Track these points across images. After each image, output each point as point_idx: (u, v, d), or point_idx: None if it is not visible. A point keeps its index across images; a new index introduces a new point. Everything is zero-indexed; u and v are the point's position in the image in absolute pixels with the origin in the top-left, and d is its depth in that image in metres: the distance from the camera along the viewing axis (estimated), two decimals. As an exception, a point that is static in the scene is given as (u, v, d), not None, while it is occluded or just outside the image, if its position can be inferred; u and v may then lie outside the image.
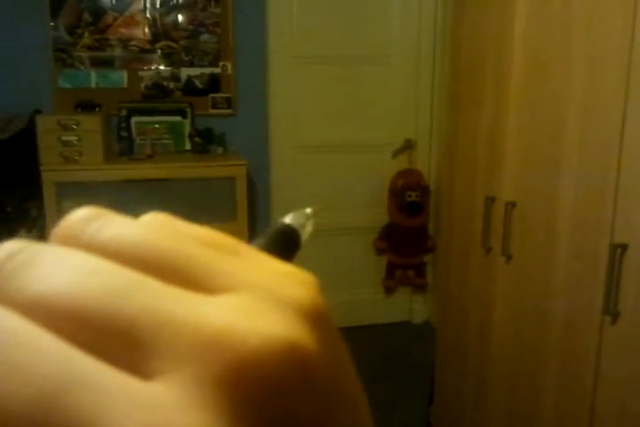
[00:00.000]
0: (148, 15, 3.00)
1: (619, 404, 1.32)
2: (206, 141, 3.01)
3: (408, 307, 3.68)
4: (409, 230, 3.37)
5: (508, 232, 1.68)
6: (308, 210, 0.30)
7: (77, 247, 0.17)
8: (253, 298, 0.17)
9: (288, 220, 0.28)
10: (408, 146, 3.43)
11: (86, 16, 2.93)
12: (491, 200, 1.76)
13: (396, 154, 3.44)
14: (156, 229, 0.19)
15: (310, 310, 0.18)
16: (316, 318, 0.18)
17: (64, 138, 2.61)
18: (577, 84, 1.39)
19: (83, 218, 0.19)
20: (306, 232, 0.28)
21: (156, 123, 2.97)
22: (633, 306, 1.26)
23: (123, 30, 2.99)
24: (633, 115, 1.23)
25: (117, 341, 0.15)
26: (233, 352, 0.15)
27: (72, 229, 0.18)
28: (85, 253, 0.17)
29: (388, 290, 3.60)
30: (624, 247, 1.26)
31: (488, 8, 1.76)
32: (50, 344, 0.14)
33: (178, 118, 3.02)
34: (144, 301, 0.15)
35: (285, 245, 0.26)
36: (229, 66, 3.13)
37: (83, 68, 2.98)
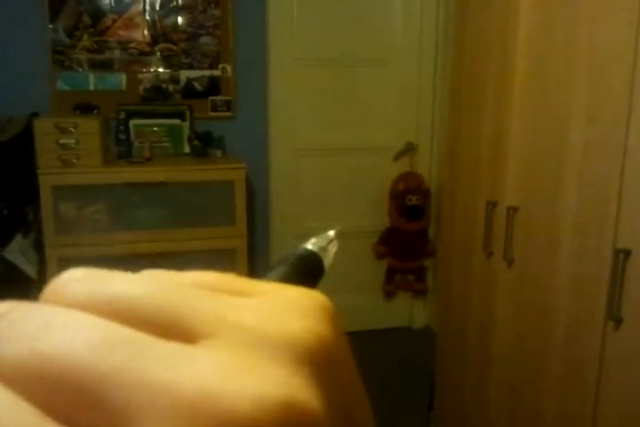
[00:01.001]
0: (147, 17, 2.98)
1: (622, 409, 1.30)
2: (205, 144, 2.99)
3: (408, 312, 3.66)
4: (409, 234, 3.35)
5: (509, 237, 1.66)
6: (331, 232, 0.29)
7: (64, 306, 0.17)
8: (242, 345, 0.16)
9: (310, 245, 0.27)
10: (409, 149, 3.41)
11: (85, 18, 2.92)
12: (492, 204, 1.74)
13: (397, 157, 3.42)
14: (145, 281, 0.18)
15: (309, 346, 0.16)
16: (316, 355, 0.16)
17: (62, 141, 2.59)
18: (580, 88, 1.38)
19: (71, 279, 0.18)
20: (329, 256, 0.27)
21: (155, 126, 2.96)
22: (636, 311, 1.24)
23: (122, 32, 2.97)
24: (637, 118, 1.21)
25: (91, 404, 0.14)
26: (220, 419, 0.13)
27: (58, 290, 0.17)
28: (69, 311, 0.16)
29: (388, 295, 3.58)
30: (627, 253, 1.24)
31: (490, 10, 1.74)
32: (24, 417, 0.13)
33: (177, 121, 3.00)
34: (121, 358, 0.14)
35: (308, 273, 0.25)
36: (229, 68, 3.12)
37: (81, 70, 2.96)
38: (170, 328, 0.16)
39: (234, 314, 0.16)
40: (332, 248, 0.28)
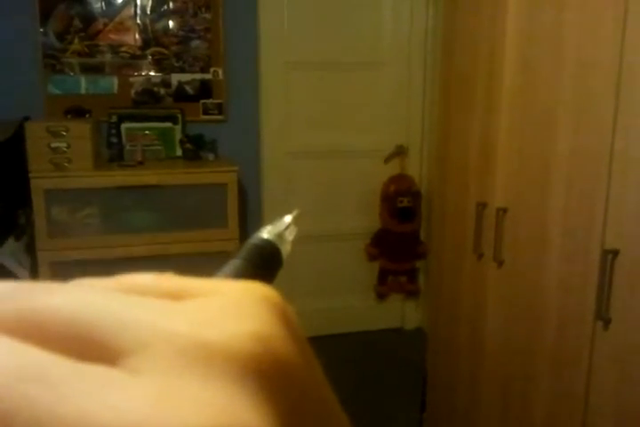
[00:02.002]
0: (138, 21, 2.99)
1: (611, 409, 1.32)
2: (197, 148, 3.00)
3: (400, 313, 3.67)
4: (401, 236, 3.37)
5: (499, 238, 1.68)
6: (287, 218, 0.26)
7: None
8: (171, 361, 0.14)
9: (265, 234, 0.25)
10: (400, 152, 3.43)
11: (76, 22, 2.92)
12: (482, 206, 1.76)
13: (387, 159, 3.44)
14: (67, 291, 0.16)
15: (252, 354, 0.14)
16: (263, 364, 0.14)
17: (53, 145, 2.59)
18: (568, 90, 1.39)
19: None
20: (287, 243, 0.25)
21: (147, 129, 2.96)
22: (625, 311, 1.26)
23: (113, 36, 2.98)
24: (624, 120, 1.23)
25: None
26: None
27: None
28: None
29: (380, 296, 3.59)
30: (615, 253, 1.26)
31: (479, 14, 1.76)
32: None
33: (168, 124, 3.00)
34: (31, 388, 0.12)
35: (264, 265, 0.23)
36: (220, 72, 3.12)
37: (72, 74, 2.96)
38: (89, 346, 0.14)
39: (163, 322, 0.15)
40: (290, 235, 0.26)
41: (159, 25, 3.02)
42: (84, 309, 0.15)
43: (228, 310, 0.16)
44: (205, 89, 3.12)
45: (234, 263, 0.23)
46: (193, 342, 0.14)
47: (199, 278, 0.18)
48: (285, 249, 0.25)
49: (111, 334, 0.14)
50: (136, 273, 0.18)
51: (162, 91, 3.07)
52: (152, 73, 3.05)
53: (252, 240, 0.25)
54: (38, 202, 2.57)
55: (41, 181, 2.58)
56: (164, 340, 0.14)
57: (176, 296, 0.16)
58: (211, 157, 2.99)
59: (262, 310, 0.16)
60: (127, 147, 2.92)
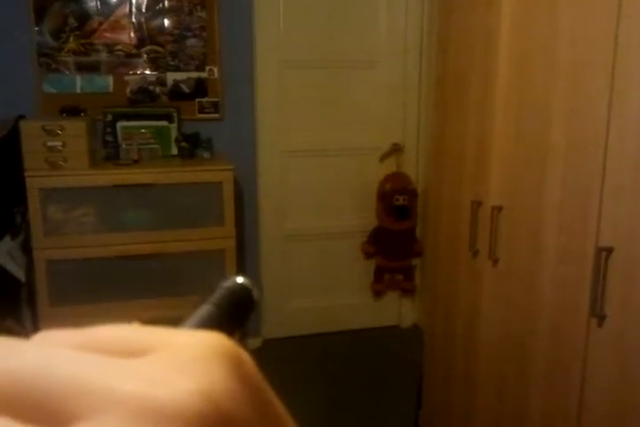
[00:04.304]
0: (133, 20, 2.98)
1: (606, 406, 1.32)
2: (193, 146, 3.00)
3: (396, 311, 3.68)
4: (397, 234, 3.37)
5: (494, 236, 1.69)
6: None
7: None
8: (121, 423, 0.14)
9: (240, 278, 0.25)
10: (396, 150, 3.44)
11: (71, 21, 2.92)
12: (477, 204, 1.76)
13: (383, 158, 3.44)
14: (26, 351, 0.16)
15: (199, 412, 0.15)
16: (209, 421, 0.15)
17: (49, 143, 2.59)
18: (562, 89, 1.40)
19: None
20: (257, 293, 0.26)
21: (143, 127, 2.96)
22: (619, 308, 1.26)
23: (108, 35, 2.97)
24: (617, 119, 1.23)
25: None
26: None
27: None
28: None
29: (377, 294, 3.60)
30: (609, 250, 1.27)
31: (474, 12, 1.76)
32: None
33: (164, 123, 3.00)
34: None
35: (234, 310, 0.24)
36: (216, 70, 3.12)
37: (68, 72, 2.96)
38: (46, 411, 0.14)
39: (117, 383, 0.15)
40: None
41: (154, 23, 3.01)
42: (42, 373, 0.15)
43: (180, 366, 0.16)
44: (201, 87, 3.12)
45: (203, 309, 0.23)
46: (143, 404, 0.15)
47: (160, 330, 0.18)
48: (256, 291, 0.26)
49: (67, 400, 0.15)
50: (105, 325, 0.18)
51: (157, 89, 3.07)
52: (147, 71, 3.05)
53: (225, 283, 0.25)
54: (34, 201, 2.57)
55: (36, 180, 2.57)
56: (116, 403, 0.15)
57: (135, 352, 0.17)
58: (206, 155, 2.99)
59: (215, 364, 0.17)
60: (123, 145, 2.92)
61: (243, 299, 0.25)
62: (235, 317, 0.24)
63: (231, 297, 0.24)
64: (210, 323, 0.22)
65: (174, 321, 0.21)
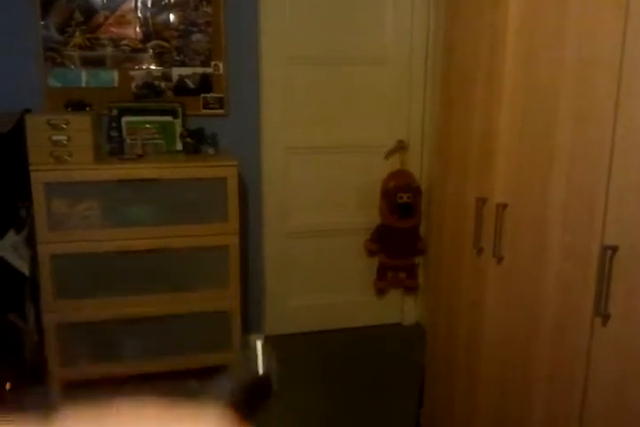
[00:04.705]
0: (139, 14, 2.98)
1: (609, 405, 1.32)
2: (197, 142, 3.00)
3: (399, 309, 3.68)
4: (401, 232, 3.37)
5: (499, 233, 1.68)
6: (259, 343, 0.26)
7: None
8: None
9: (261, 368, 0.25)
10: (400, 147, 3.43)
11: (77, 15, 2.92)
12: (482, 201, 1.76)
13: (388, 155, 3.44)
14: None
15: None
16: None
17: (54, 137, 2.59)
18: (568, 87, 1.39)
19: None
20: (272, 363, 0.25)
21: (147, 123, 2.96)
22: (623, 307, 1.26)
23: (114, 29, 2.97)
24: (623, 117, 1.23)
25: None
26: None
27: None
28: None
29: (380, 292, 3.59)
30: (614, 249, 1.26)
31: (480, 10, 1.76)
32: None
33: (169, 118, 3.00)
34: None
35: (254, 400, 0.23)
36: (221, 66, 3.12)
37: (73, 67, 2.96)
38: None
39: None
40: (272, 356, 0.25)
41: (160, 18, 3.01)
42: None
43: None
44: (206, 83, 3.12)
45: (225, 396, 0.23)
46: None
47: (173, 411, 0.18)
48: (274, 374, 0.25)
49: None
50: (122, 405, 0.19)
51: (162, 84, 3.07)
52: (153, 66, 3.05)
53: (248, 374, 0.25)
54: (38, 195, 2.57)
55: (41, 174, 2.58)
56: None
57: None
58: (211, 151, 2.99)
59: None
60: (127, 140, 2.92)
61: (263, 388, 0.25)
62: (253, 406, 0.23)
63: (253, 388, 0.24)
64: (232, 408, 0.22)
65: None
